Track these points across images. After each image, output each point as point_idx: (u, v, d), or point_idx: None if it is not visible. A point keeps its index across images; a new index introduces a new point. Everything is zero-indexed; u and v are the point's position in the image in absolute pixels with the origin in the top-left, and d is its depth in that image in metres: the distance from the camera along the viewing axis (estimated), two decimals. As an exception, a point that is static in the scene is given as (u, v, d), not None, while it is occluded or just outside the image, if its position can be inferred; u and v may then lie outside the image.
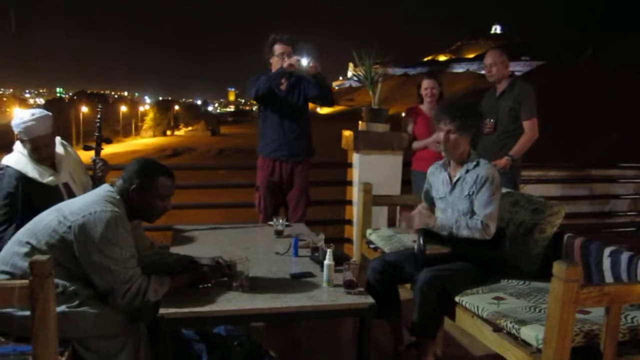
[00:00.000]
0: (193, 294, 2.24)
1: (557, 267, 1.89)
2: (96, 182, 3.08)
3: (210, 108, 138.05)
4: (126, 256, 2.13)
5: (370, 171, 4.44)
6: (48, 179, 2.84)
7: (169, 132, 78.97)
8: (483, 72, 4.29)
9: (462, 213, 2.81)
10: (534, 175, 5.54)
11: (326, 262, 2.39)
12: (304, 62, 3.70)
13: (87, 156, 3.21)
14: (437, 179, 3.02)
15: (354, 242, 4.50)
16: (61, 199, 2.75)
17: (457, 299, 2.55)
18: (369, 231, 3.73)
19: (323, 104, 4.05)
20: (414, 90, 4.55)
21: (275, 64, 3.87)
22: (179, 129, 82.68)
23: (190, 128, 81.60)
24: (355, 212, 4.56)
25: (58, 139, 3.01)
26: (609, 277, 2.56)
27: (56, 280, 1.88)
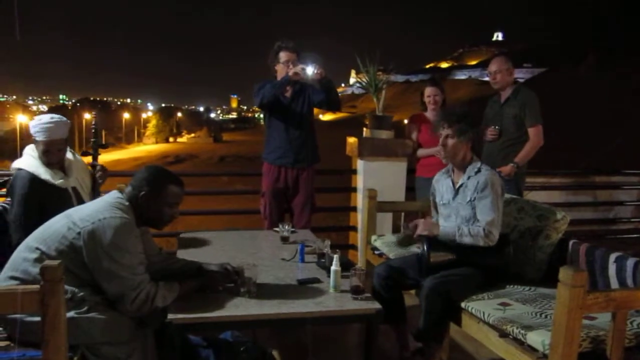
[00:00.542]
0: (201, 300, 2.25)
1: (564, 273, 1.91)
2: (96, 187, 3.14)
3: (212, 115, 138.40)
4: (135, 262, 2.14)
5: (375, 178, 4.45)
6: (59, 180, 2.88)
7: (171, 139, 79.14)
8: (485, 79, 4.33)
9: (465, 219, 2.84)
10: (538, 182, 5.55)
11: (333, 268, 2.40)
12: (309, 70, 3.72)
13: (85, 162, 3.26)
14: (441, 185, 3.05)
15: (359, 248, 4.51)
16: (71, 204, 2.80)
17: (462, 304, 2.56)
18: (373, 237, 3.74)
19: (329, 109, 4.07)
20: (416, 97, 4.57)
21: (280, 71, 3.90)
22: (181, 136, 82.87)
23: (192, 135, 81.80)
24: (359, 218, 4.57)
25: None
26: (614, 283, 2.57)
27: (65, 286, 1.89)
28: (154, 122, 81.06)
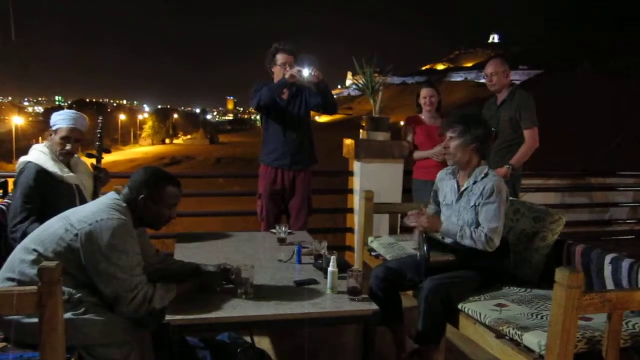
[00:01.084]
0: (199, 301, 2.25)
1: (560, 274, 1.92)
2: (98, 189, 3.15)
3: (209, 117, 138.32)
4: (133, 264, 2.14)
5: (372, 179, 4.47)
6: (67, 174, 2.92)
7: (167, 141, 79.08)
8: (481, 81, 4.35)
9: (468, 224, 2.82)
10: (534, 184, 5.56)
11: (330, 269, 2.40)
12: (306, 72, 3.73)
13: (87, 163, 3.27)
14: (445, 185, 3.04)
15: (356, 250, 4.51)
16: (74, 200, 2.86)
17: (460, 306, 2.57)
18: (370, 239, 3.75)
19: (326, 112, 4.08)
20: (413, 99, 4.58)
21: (278, 73, 3.90)
22: (177, 138, 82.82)
23: (189, 137, 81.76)
24: (356, 220, 4.57)
25: None
26: (610, 284, 2.58)
27: (62, 288, 1.89)
28: (150, 123, 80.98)
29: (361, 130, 4.69)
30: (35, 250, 2.10)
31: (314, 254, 2.87)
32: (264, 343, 3.08)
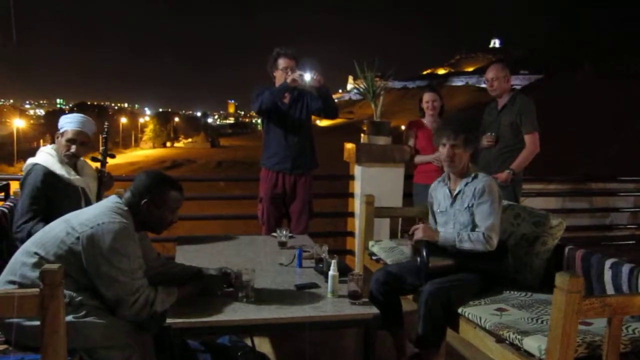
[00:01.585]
0: (199, 304, 2.26)
1: (560, 279, 1.92)
2: (101, 192, 3.16)
3: (210, 120, 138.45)
4: (134, 267, 2.15)
5: (372, 183, 4.47)
6: (74, 177, 2.95)
7: (168, 144, 79.17)
8: (482, 85, 4.36)
9: (464, 225, 2.85)
10: (534, 189, 5.57)
11: (331, 272, 2.41)
12: (307, 76, 3.74)
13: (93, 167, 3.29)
14: (438, 193, 3.07)
15: (356, 253, 4.51)
16: (80, 203, 2.88)
17: (460, 310, 2.57)
18: (371, 243, 3.76)
19: (327, 116, 4.09)
20: (414, 103, 4.59)
21: (279, 77, 3.92)
22: (178, 141, 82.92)
23: (189, 140, 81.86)
24: (357, 224, 4.58)
25: None
26: (610, 289, 2.58)
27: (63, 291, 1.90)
28: (151, 126, 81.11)
29: (362, 134, 4.70)
30: (36, 253, 2.11)
31: (315, 257, 2.88)
32: (264, 346, 3.08)
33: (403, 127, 4.66)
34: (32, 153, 3.09)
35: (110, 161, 3.29)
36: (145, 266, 2.28)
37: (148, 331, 2.26)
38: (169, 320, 2.09)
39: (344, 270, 2.52)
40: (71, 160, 2.99)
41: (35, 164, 2.90)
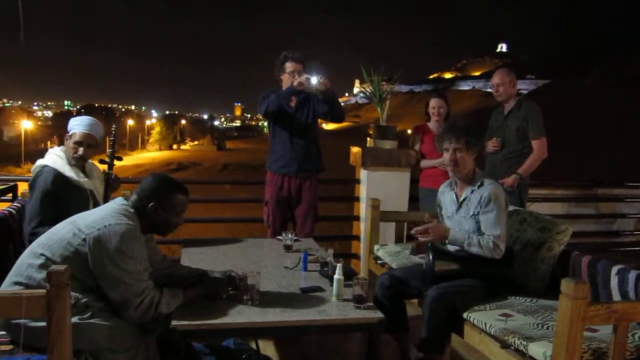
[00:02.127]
0: (204, 307, 2.27)
1: (566, 285, 1.92)
2: (108, 195, 3.17)
3: (216, 123, 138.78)
4: (140, 269, 2.16)
5: (378, 187, 4.47)
6: (83, 179, 2.97)
7: (175, 146, 79.39)
8: (489, 90, 4.35)
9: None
10: (541, 194, 5.55)
11: (336, 276, 2.41)
12: (314, 80, 3.75)
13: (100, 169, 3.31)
14: (445, 198, 3.06)
15: (361, 257, 4.52)
16: (88, 205, 2.90)
17: (465, 315, 2.56)
18: (376, 247, 3.75)
19: (333, 120, 4.10)
20: (420, 107, 4.59)
21: (286, 81, 3.93)
22: (185, 143, 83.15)
23: (196, 142, 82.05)
24: (362, 228, 4.58)
25: None
26: (616, 295, 2.57)
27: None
28: (157, 129, 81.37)
29: (368, 138, 4.71)
30: (42, 255, 2.12)
31: (320, 261, 2.88)
32: (269, 349, 3.08)
33: (409, 131, 4.65)
34: (40, 154, 3.11)
35: (116, 163, 3.31)
36: (151, 268, 2.29)
37: (153, 333, 2.27)
38: (173, 323, 2.10)
39: (349, 274, 2.52)
40: (79, 163, 3.00)
41: (45, 166, 2.91)
